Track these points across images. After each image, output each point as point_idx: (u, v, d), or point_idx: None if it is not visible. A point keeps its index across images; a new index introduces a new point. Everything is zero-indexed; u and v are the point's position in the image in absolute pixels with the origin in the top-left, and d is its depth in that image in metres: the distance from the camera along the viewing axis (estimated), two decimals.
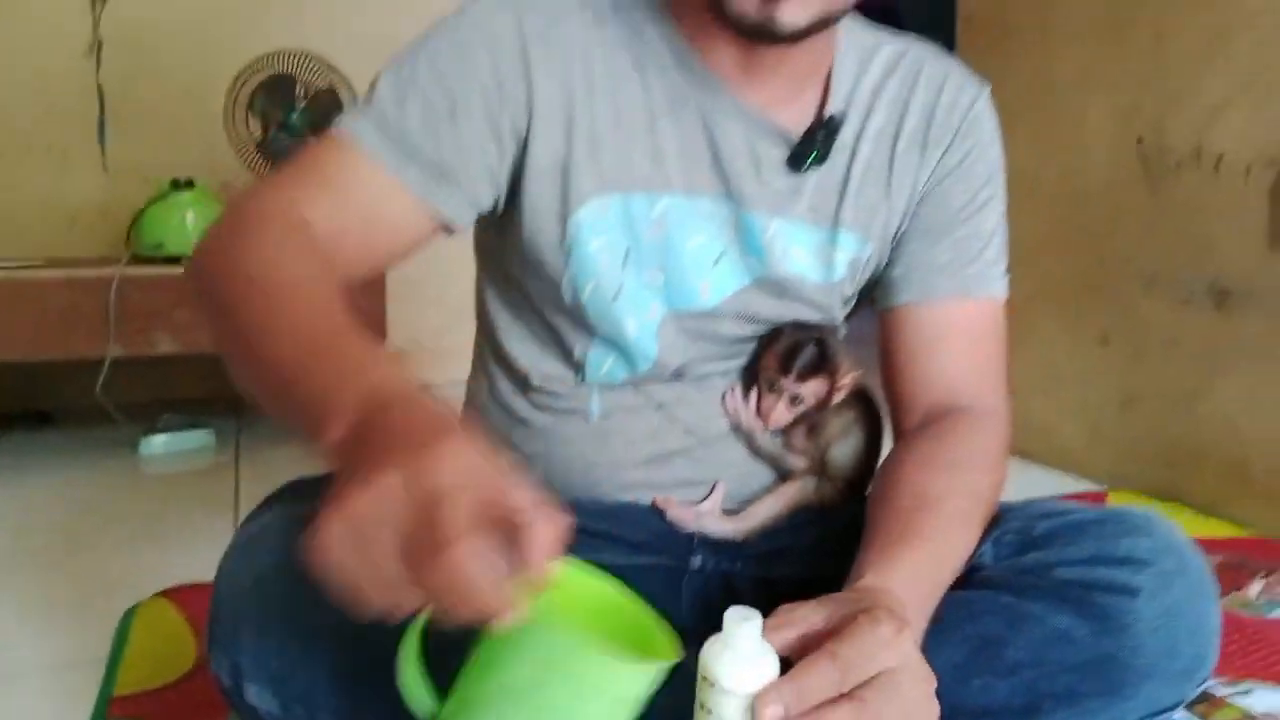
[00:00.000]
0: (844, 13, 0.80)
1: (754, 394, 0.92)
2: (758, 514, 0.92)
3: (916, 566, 0.70)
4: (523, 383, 0.94)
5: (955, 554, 0.75)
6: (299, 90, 2.06)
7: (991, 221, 0.92)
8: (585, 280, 0.85)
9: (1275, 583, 1.42)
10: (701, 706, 0.55)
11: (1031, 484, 1.86)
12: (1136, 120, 1.80)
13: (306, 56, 2.07)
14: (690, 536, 0.92)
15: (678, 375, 0.91)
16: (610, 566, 0.89)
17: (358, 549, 0.48)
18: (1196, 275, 1.71)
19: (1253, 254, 1.61)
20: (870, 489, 0.88)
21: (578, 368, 0.91)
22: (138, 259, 2.02)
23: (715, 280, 0.87)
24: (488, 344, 0.98)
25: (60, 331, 1.90)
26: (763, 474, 0.95)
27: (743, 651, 0.54)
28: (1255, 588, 1.41)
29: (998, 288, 0.92)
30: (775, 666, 0.54)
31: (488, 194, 0.84)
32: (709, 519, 0.92)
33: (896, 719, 0.55)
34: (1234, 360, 1.66)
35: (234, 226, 0.75)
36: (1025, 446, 1.96)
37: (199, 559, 1.51)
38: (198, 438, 2.14)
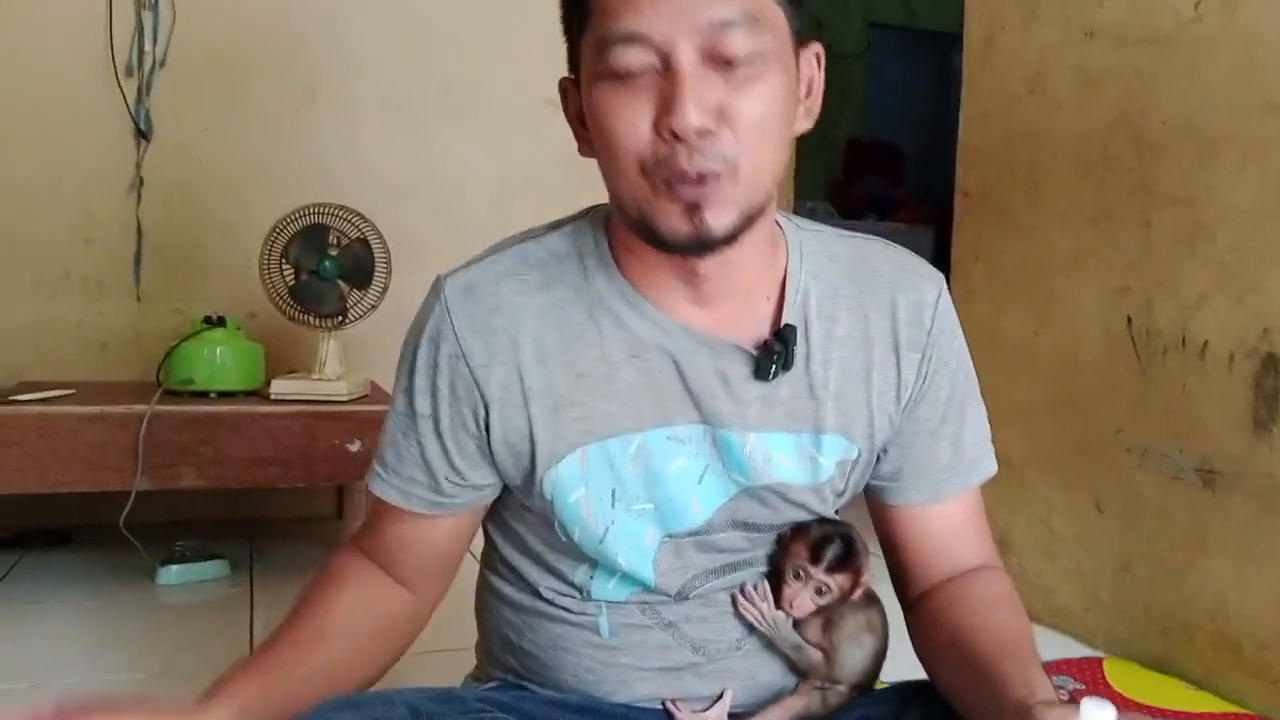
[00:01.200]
0: (763, 208, 0.82)
1: (766, 587, 0.96)
2: None
3: (1046, 683, 0.78)
4: (533, 592, 0.97)
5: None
6: (332, 239, 2.17)
7: (973, 408, 0.97)
8: (572, 526, 0.90)
9: None
10: None
11: None
12: (1126, 302, 1.89)
13: (340, 208, 2.18)
14: None
15: (681, 596, 0.94)
16: None
17: None
18: (1185, 453, 1.78)
19: (1239, 439, 1.68)
20: (917, 634, 0.98)
21: (581, 590, 0.95)
22: (169, 393, 2.10)
23: (702, 496, 0.90)
24: (495, 554, 1.02)
25: (89, 464, 1.97)
26: (770, 684, 0.98)
27: None
28: None
29: (991, 465, 0.99)
30: None
31: (474, 479, 0.94)
32: None
33: None
34: (1223, 539, 1.72)
35: (321, 574, 0.98)
36: (1026, 605, 1.99)
37: None
38: (213, 568, 2.18)
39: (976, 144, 2.25)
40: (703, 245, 0.80)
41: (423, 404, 0.90)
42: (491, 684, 1.03)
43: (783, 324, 0.89)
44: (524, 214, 3.03)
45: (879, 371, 0.92)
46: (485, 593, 1.05)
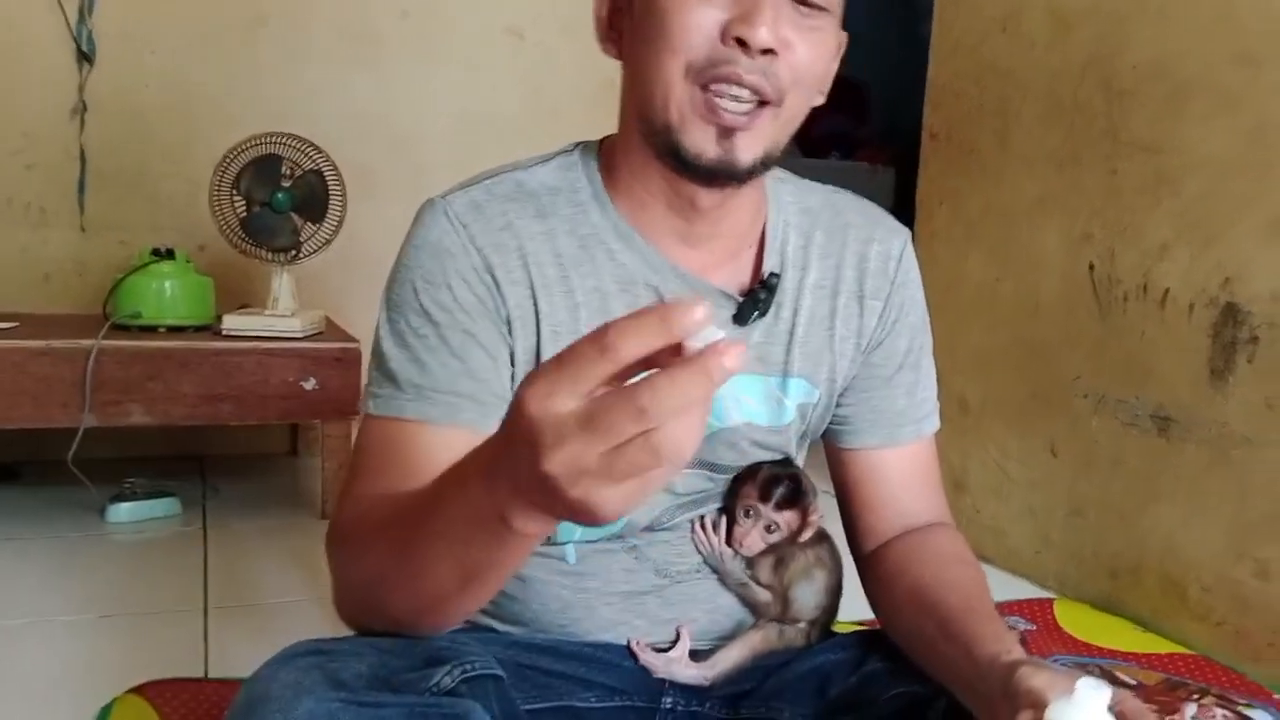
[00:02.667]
0: (777, 156, 0.84)
1: (723, 523, 0.98)
2: (724, 660, 0.97)
3: (1015, 641, 0.80)
4: None
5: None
6: (285, 170, 2.11)
7: (927, 361, 1.02)
8: None
9: (1208, 707, 1.49)
10: None
11: None
12: (1088, 248, 1.90)
13: (294, 138, 2.12)
14: (661, 679, 0.97)
15: (648, 529, 0.96)
16: (586, 710, 0.95)
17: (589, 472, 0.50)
18: (1141, 401, 1.80)
19: (1194, 387, 1.70)
20: (874, 588, 0.99)
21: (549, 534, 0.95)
22: (116, 327, 2.04)
23: None
24: None
25: (35, 400, 1.92)
26: (730, 611, 1.00)
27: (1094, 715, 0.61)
28: (1189, 711, 1.48)
29: (936, 420, 1.03)
30: None
31: (510, 386, 0.89)
32: (677, 665, 0.96)
33: None
34: (1173, 485, 1.74)
35: (347, 548, 0.82)
36: (977, 546, 2.01)
37: (170, 645, 1.54)
38: (164, 506, 2.14)
39: (946, 81, 2.22)
40: (723, 172, 0.81)
41: (448, 318, 0.85)
42: (456, 628, 1.03)
43: (766, 273, 0.91)
44: (486, 147, 2.99)
45: (842, 319, 0.96)
46: None
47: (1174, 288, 1.74)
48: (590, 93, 2.85)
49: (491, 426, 0.85)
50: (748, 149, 0.80)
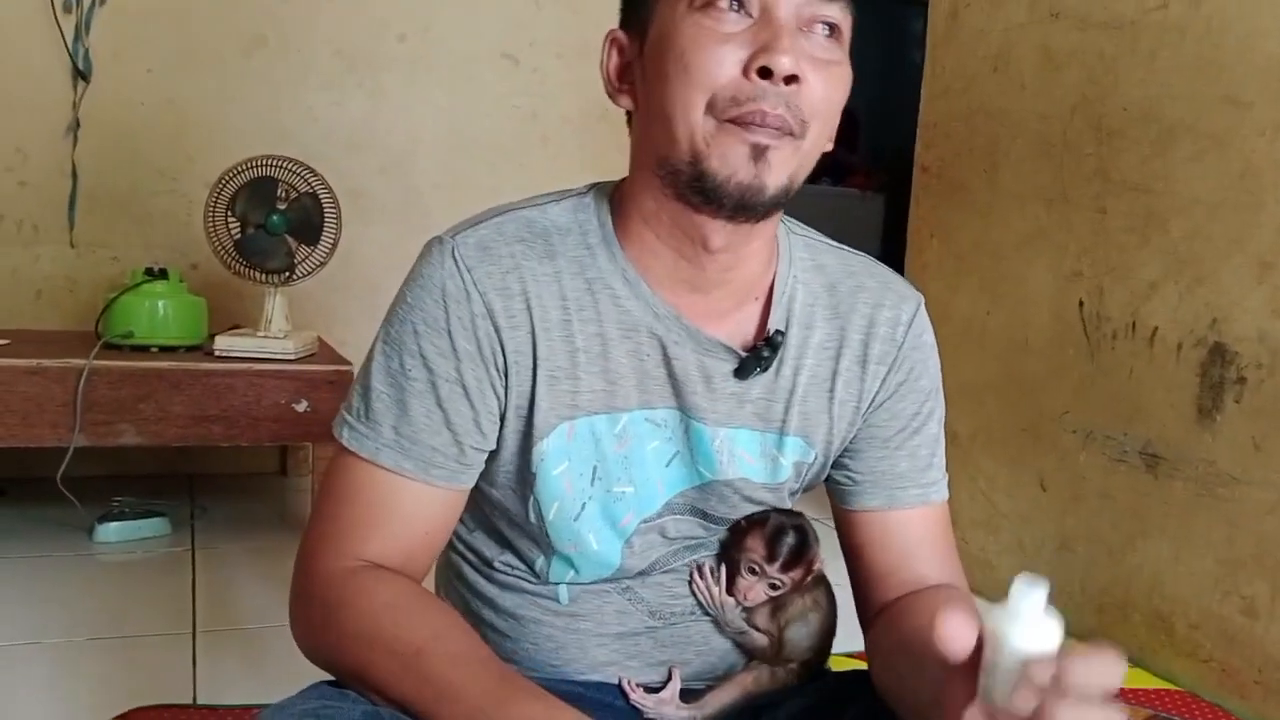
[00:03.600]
0: (796, 188, 0.83)
1: (723, 572, 0.97)
2: (714, 701, 0.96)
3: None
4: (489, 566, 0.97)
5: None
6: (280, 192, 2.11)
7: (935, 428, 0.99)
8: (550, 502, 0.89)
9: None
10: (990, 665, 0.59)
11: None
12: (1078, 285, 1.92)
13: (290, 161, 2.12)
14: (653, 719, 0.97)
15: (640, 575, 0.96)
16: None
17: None
18: (1130, 437, 1.81)
19: (1182, 425, 1.72)
20: (871, 649, 0.95)
21: (539, 575, 0.95)
22: (108, 346, 2.04)
23: (666, 479, 0.92)
24: (455, 533, 1.00)
25: (24, 419, 1.91)
26: (723, 653, 0.99)
27: (1027, 615, 0.58)
28: None
29: (944, 490, 1.00)
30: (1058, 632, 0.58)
31: (492, 444, 0.89)
32: (668, 706, 0.96)
33: None
34: (1161, 521, 1.76)
35: (324, 609, 0.82)
36: (966, 578, 2.04)
37: (159, 670, 1.53)
38: (152, 526, 2.14)
39: (936, 121, 2.25)
40: (749, 198, 0.79)
41: (442, 366, 0.85)
42: None
43: (772, 329, 0.90)
44: (478, 172, 3.01)
45: (843, 381, 0.94)
46: (444, 569, 1.04)
47: (1162, 326, 1.76)
48: (583, 120, 2.88)
49: (464, 484, 0.87)
50: (776, 174, 0.79)
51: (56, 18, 2.36)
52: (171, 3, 2.47)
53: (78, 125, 2.42)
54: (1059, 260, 1.96)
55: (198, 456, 2.60)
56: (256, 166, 2.10)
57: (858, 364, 0.94)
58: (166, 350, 2.09)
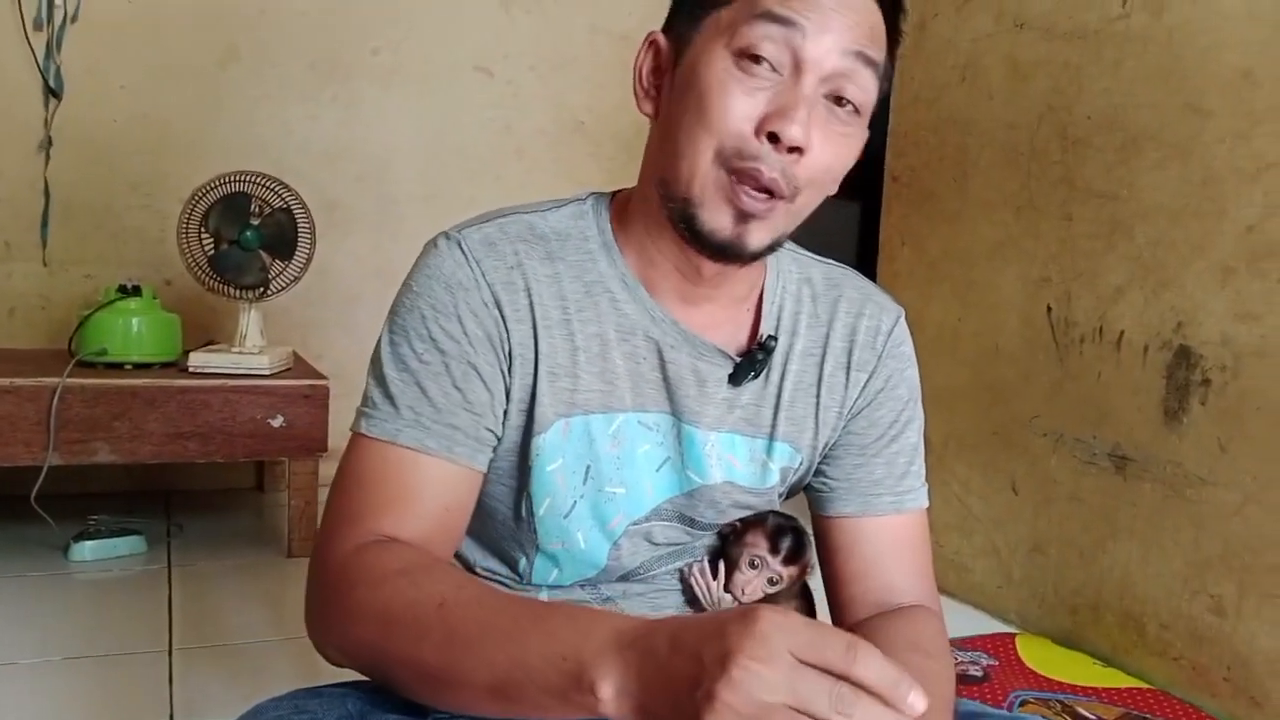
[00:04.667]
0: (785, 238, 0.89)
1: (721, 569, 1.00)
2: None
3: None
4: (470, 572, 0.98)
5: None
6: (254, 208, 2.11)
7: (914, 437, 1.02)
8: (541, 497, 0.91)
9: None
10: None
11: (947, 618, 1.94)
12: (1046, 291, 1.94)
13: (263, 177, 2.12)
14: None
15: (624, 579, 0.97)
16: None
17: None
18: (1099, 440, 1.84)
19: (1150, 428, 1.75)
20: None
21: (522, 576, 0.96)
22: (81, 364, 2.03)
23: (656, 483, 0.94)
24: None
25: None
26: None
27: None
28: None
29: (923, 498, 1.01)
30: None
31: (500, 431, 0.89)
32: None
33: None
34: (1131, 523, 1.78)
35: (335, 592, 0.78)
36: (941, 582, 2.05)
37: (135, 689, 1.52)
38: (128, 544, 2.12)
39: (906, 130, 2.27)
40: (731, 253, 0.84)
41: (454, 348, 0.86)
42: None
43: (764, 336, 0.94)
44: (453, 184, 3.01)
45: (827, 387, 0.97)
46: None
47: (1129, 330, 1.78)
48: (557, 131, 2.89)
49: (481, 466, 0.87)
50: (758, 236, 0.83)
51: (27, 35, 2.35)
52: (144, 18, 2.46)
53: (50, 143, 2.41)
54: (1027, 267, 1.99)
55: (173, 473, 2.59)
56: (229, 183, 2.10)
57: (841, 370, 0.98)
58: (141, 367, 2.08)
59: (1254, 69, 1.59)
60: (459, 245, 0.88)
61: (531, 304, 0.88)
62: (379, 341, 0.89)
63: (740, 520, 1.00)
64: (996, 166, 2.05)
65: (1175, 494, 1.71)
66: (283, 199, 2.13)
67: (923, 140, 2.23)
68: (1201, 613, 1.67)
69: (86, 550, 2.07)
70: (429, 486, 0.83)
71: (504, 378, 0.88)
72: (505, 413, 0.88)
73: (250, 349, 2.15)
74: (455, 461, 0.84)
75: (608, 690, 0.61)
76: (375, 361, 0.88)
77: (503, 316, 0.87)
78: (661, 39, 0.88)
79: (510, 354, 0.88)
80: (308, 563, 0.83)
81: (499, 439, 0.89)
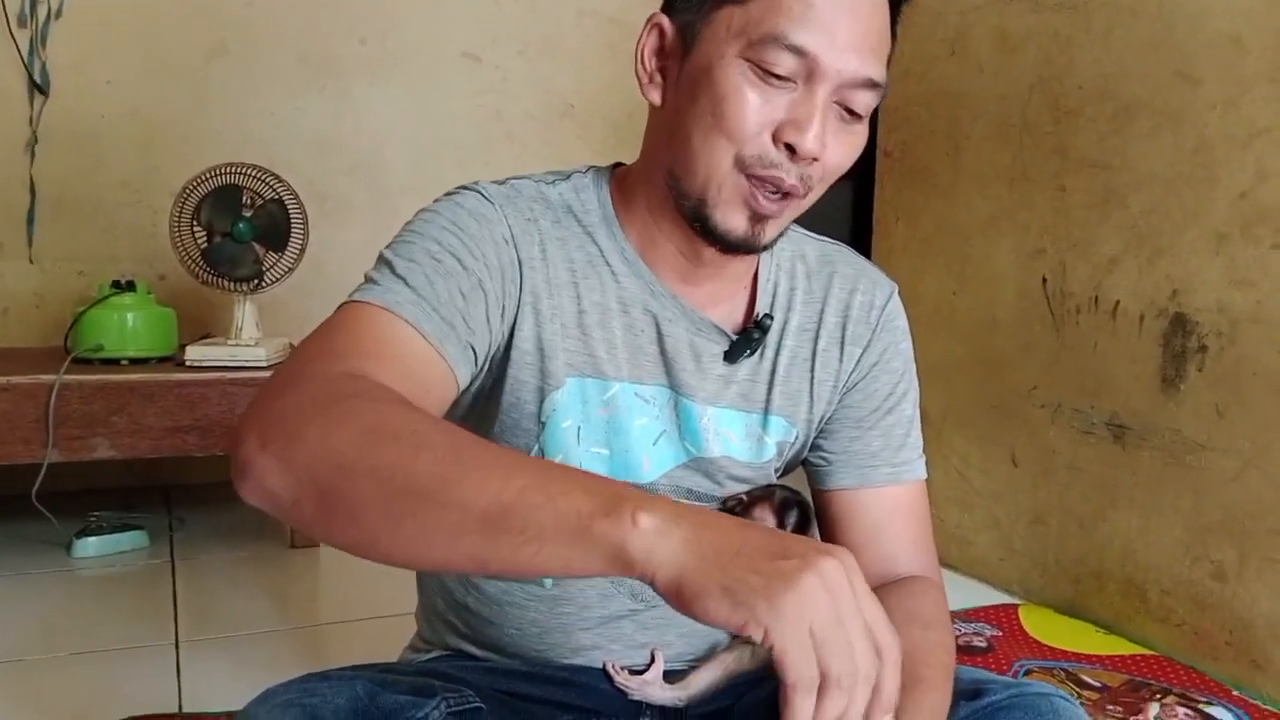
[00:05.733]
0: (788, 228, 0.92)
1: None
2: (698, 682, 0.98)
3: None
4: None
5: (945, 706, 0.83)
6: (245, 200, 2.10)
7: (910, 410, 1.03)
8: (554, 453, 0.92)
9: (1170, 706, 1.54)
10: None
11: (951, 592, 1.96)
12: (1040, 263, 1.95)
13: (254, 168, 2.12)
14: (638, 701, 0.99)
15: None
16: None
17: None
18: (1096, 410, 1.85)
19: (1147, 395, 1.75)
20: None
21: None
22: (77, 361, 2.03)
23: (655, 457, 0.95)
24: None
25: None
26: (705, 634, 1.01)
27: None
28: (1152, 711, 1.52)
29: (921, 470, 1.03)
30: None
31: (483, 360, 0.87)
32: (651, 688, 0.98)
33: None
34: (1130, 491, 1.79)
35: (338, 400, 0.67)
36: (943, 555, 2.06)
37: (143, 682, 1.53)
38: (131, 539, 2.13)
39: (897, 105, 2.27)
40: (743, 249, 0.88)
41: (472, 263, 0.84)
42: (432, 655, 1.04)
43: (760, 314, 0.96)
44: (445, 171, 3.01)
45: (822, 362, 0.99)
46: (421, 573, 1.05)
47: (1124, 299, 1.79)
48: (546, 116, 2.88)
49: (461, 374, 0.81)
50: (771, 233, 0.87)
51: (11, 32, 2.34)
52: (130, 13, 2.45)
53: (36, 140, 2.40)
54: (1022, 238, 1.99)
55: (173, 468, 2.59)
56: (220, 175, 2.09)
57: (835, 345, 0.99)
58: (137, 362, 2.08)
59: (1243, 35, 1.59)
60: (482, 191, 0.90)
61: (546, 258, 0.90)
62: (389, 244, 0.86)
63: (746, 494, 1.00)
64: (989, 139, 2.05)
65: (1174, 461, 1.71)
66: (274, 190, 2.13)
67: (914, 115, 2.23)
68: (1202, 578, 1.68)
69: (90, 546, 2.08)
70: (419, 367, 0.78)
71: (509, 314, 0.88)
72: (507, 362, 0.89)
73: (246, 341, 2.14)
74: (444, 357, 0.80)
75: (649, 520, 0.56)
76: (386, 249, 0.85)
77: (519, 259, 0.88)
78: (665, 22, 0.87)
79: (519, 298, 0.88)
80: (264, 385, 0.72)
81: (477, 368, 0.85)
